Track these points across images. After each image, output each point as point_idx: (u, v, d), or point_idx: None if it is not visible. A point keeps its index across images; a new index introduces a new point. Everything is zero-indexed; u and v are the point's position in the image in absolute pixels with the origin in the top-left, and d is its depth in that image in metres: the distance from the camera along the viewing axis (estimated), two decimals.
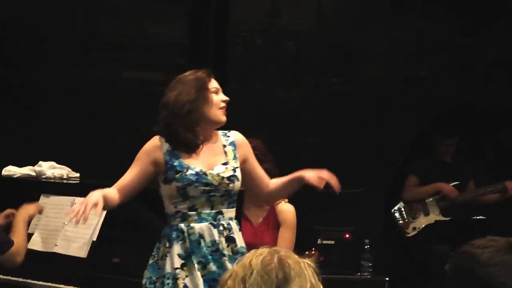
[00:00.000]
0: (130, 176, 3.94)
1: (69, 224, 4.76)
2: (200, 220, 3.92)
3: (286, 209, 5.14)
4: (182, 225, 3.91)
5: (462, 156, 7.21)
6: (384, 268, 6.65)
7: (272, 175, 4.45)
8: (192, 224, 3.91)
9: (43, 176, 5.48)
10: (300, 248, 5.44)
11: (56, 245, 4.88)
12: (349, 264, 6.59)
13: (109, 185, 3.98)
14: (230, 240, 3.96)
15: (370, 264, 6.59)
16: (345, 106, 7.32)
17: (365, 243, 6.62)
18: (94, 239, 4.74)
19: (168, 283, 3.87)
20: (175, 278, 3.87)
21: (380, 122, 7.38)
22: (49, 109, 7.11)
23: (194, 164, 3.94)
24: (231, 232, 3.97)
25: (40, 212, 4.96)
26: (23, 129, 7.04)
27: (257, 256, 2.13)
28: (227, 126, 4.17)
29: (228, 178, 3.98)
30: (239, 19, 7.26)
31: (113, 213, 4.54)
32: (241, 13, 7.27)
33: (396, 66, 7.44)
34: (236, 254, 3.92)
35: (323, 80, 7.34)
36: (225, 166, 4.01)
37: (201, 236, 3.90)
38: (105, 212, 4.59)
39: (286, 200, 5.14)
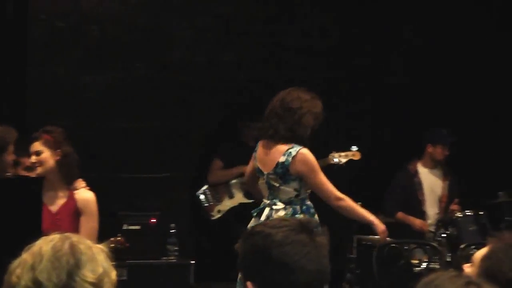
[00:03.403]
0: None
1: None
2: None
3: (86, 197, 5.05)
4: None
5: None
6: (190, 252, 6.71)
7: (73, 161, 4.75)
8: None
9: None
10: (105, 234, 5.39)
11: None
12: (155, 249, 6.59)
13: None
14: None
15: (176, 248, 6.63)
16: (149, 90, 7.29)
17: (171, 227, 6.64)
18: None
19: None
20: None
21: (185, 107, 7.41)
22: None
23: None
24: None
25: None
26: None
27: (47, 243, 2.08)
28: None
29: None
30: (40, 2, 7.05)
31: None
32: None
33: (200, 51, 7.48)
34: None
35: (127, 65, 7.27)
36: None
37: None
38: None
39: (86, 186, 5.07)
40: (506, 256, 2.29)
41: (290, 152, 5.15)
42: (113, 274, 2.09)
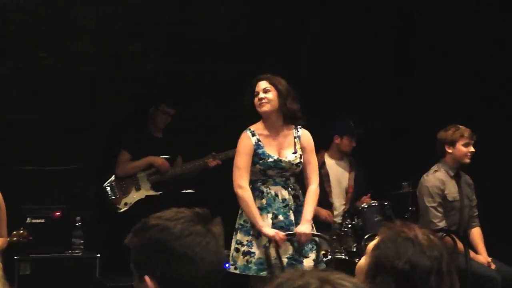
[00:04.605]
0: (247, 164, 5.40)
1: None
2: (275, 183, 5.43)
3: None
4: (262, 187, 5.42)
5: (172, 132, 7.34)
6: (96, 245, 6.63)
7: None
8: (269, 186, 5.43)
9: None
10: (8, 228, 5.29)
11: None
12: (60, 242, 6.50)
13: None
14: (296, 197, 5.48)
15: (81, 242, 6.55)
16: (54, 81, 7.16)
17: (76, 220, 6.56)
18: None
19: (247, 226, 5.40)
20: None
21: (91, 98, 7.31)
22: None
23: (273, 153, 5.43)
24: (296, 191, 5.49)
25: None
26: None
27: None
28: None
29: (297, 164, 5.46)
30: None
31: None
32: None
33: (106, 41, 7.38)
34: (299, 207, 5.45)
35: (31, 55, 7.12)
36: (294, 155, 5.47)
37: (276, 194, 5.41)
38: None
39: None
40: (394, 245, 2.29)
41: None
42: (0, 267, 2.05)
